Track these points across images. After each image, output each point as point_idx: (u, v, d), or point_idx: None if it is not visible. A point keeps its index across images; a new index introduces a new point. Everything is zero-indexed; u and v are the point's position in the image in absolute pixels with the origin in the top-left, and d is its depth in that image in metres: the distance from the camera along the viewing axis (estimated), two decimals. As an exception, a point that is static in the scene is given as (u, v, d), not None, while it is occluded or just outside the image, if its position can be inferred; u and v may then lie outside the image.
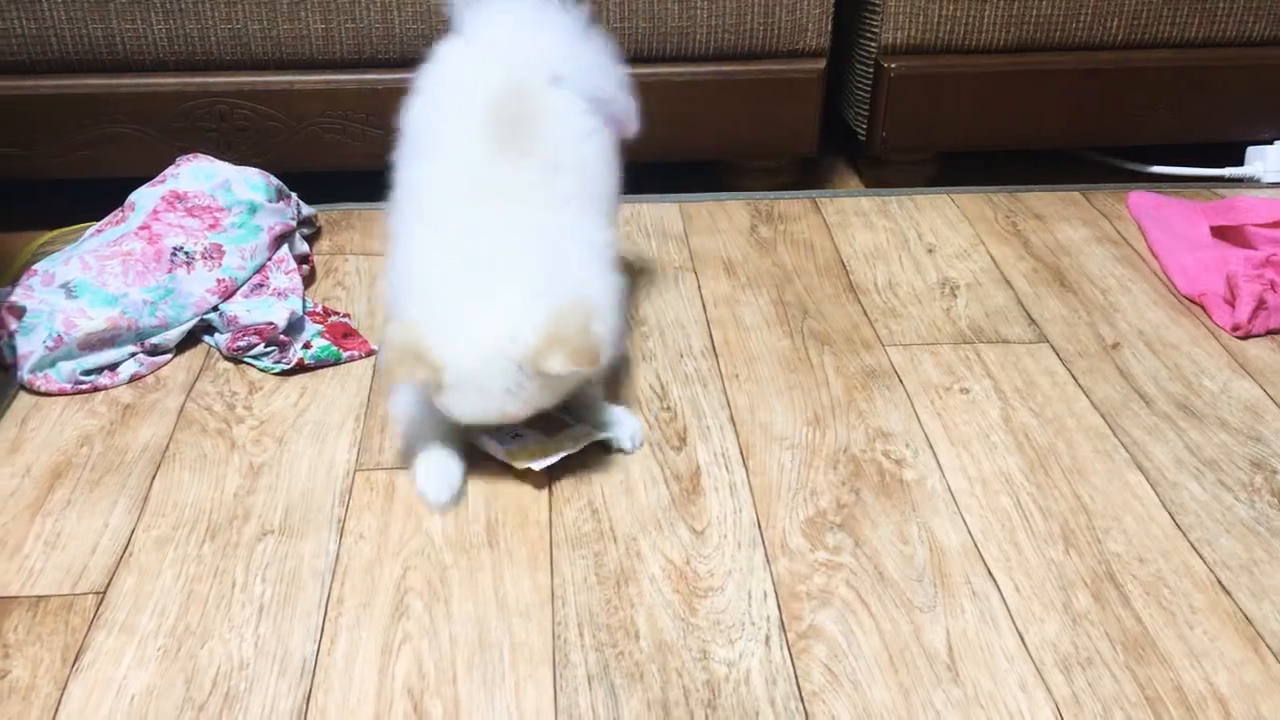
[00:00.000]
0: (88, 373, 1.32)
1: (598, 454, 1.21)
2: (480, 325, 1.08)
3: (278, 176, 1.57)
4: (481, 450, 1.20)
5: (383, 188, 1.76)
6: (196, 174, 1.51)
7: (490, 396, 1.09)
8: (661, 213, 1.73)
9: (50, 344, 1.31)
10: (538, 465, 1.16)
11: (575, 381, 1.14)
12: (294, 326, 1.38)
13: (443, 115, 1.25)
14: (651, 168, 1.79)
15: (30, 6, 1.54)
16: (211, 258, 1.43)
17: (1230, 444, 1.25)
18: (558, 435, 1.20)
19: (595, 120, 1.27)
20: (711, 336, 1.43)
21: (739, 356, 1.39)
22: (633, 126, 1.35)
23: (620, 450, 1.22)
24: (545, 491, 1.17)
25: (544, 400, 1.12)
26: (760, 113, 1.72)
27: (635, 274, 1.55)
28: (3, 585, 1.06)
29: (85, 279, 1.36)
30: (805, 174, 1.86)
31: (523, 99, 1.21)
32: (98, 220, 1.51)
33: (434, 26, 1.61)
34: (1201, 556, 1.10)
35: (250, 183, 1.51)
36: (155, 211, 1.46)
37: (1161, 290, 1.54)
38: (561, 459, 1.17)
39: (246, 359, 1.36)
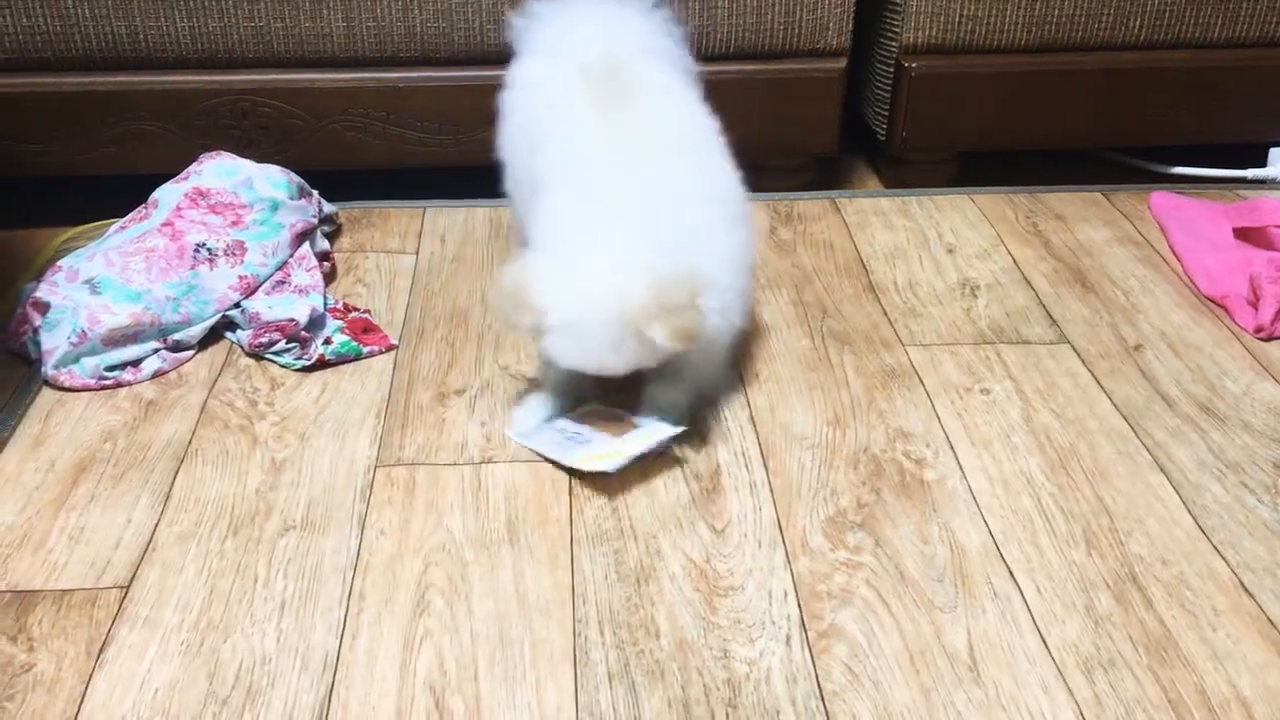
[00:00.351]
0: (111, 368, 1.33)
1: (618, 452, 1.21)
2: (589, 276, 1.09)
3: (299, 174, 1.58)
4: (543, 457, 1.20)
5: (403, 186, 1.77)
6: (219, 171, 1.52)
7: (589, 348, 1.11)
8: (681, 212, 1.73)
9: (74, 340, 1.32)
10: (610, 466, 1.15)
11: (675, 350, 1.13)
12: (315, 323, 1.39)
13: (549, 94, 1.29)
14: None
15: (55, 4, 1.55)
16: (234, 254, 1.44)
17: (1253, 446, 1.24)
18: (625, 436, 1.20)
19: (687, 82, 1.31)
20: (731, 336, 1.43)
21: (759, 356, 1.39)
22: None
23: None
24: (565, 489, 1.17)
25: (645, 359, 1.12)
26: (780, 112, 1.72)
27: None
28: (27, 579, 1.06)
29: (109, 275, 1.37)
30: (824, 174, 1.86)
31: (612, 60, 1.24)
32: (121, 217, 1.51)
33: (455, 25, 1.62)
34: (1224, 559, 1.09)
35: (272, 180, 1.52)
36: (178, 208, 1.47)
37: (1184, 292, 1.53)
38: (633, 460, 1.16)
39: (268, 355, 1.37)
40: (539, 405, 1.25)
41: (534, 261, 1.13)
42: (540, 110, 1.30)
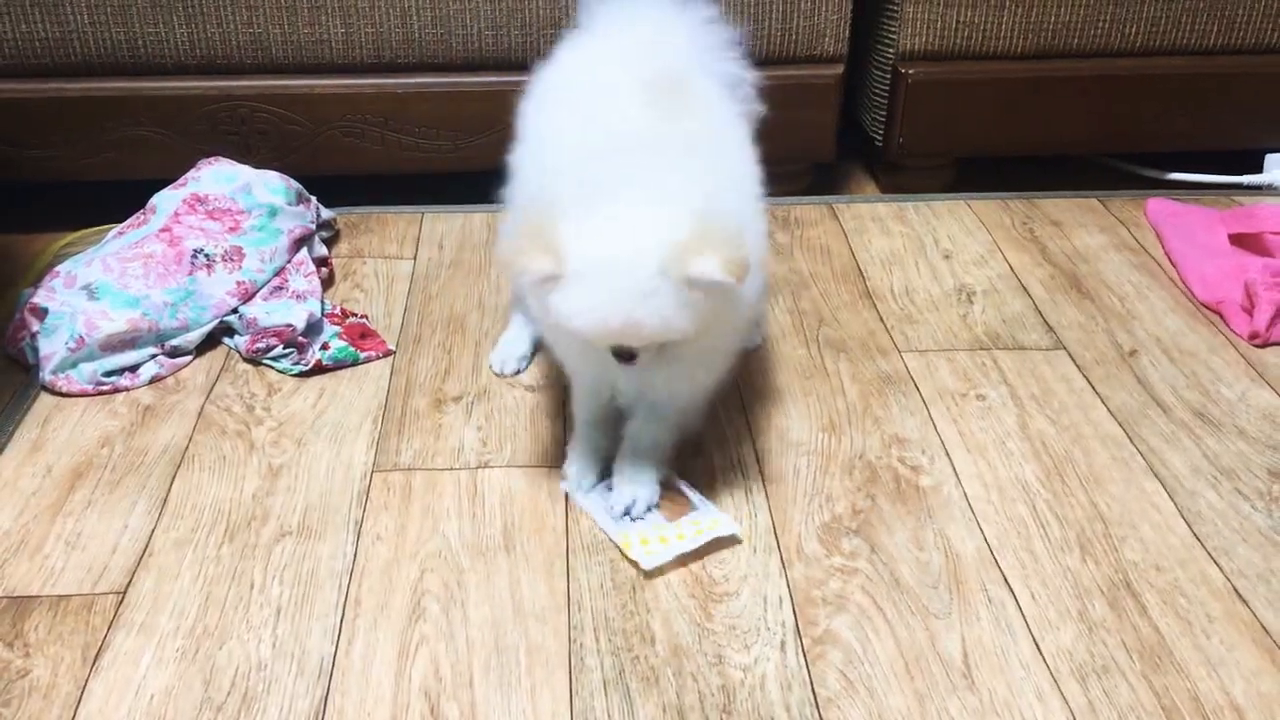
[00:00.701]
0: (109, 374, 1.33)
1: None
2: (620, 215, 0.96)
3: (297, 180, 1.58)
4: (585, 513, 1.14)
5: (401, 191, 1.77)
6: (217, 177, 1.52)
7: (619, 297, 0.94)
8: (678, 217, 1.73)
9: (72, 345, 1.32)
10: (648, 564, 1.07)
11: (711, 310, 0.99)
12: (312, 328, 1.39)
13: (584, 90, 1.17)
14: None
15: (53, 11, 1.55)
16: (231, 260, 1.44)
17: (1248, 452, 1.24)
18: (678, 521, 1.12)
19: (736, 104, 1.22)
20: (728, 341, 1.43)
21: (755, 363, 1.39)
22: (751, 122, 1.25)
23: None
24: (562, 496, 1.17)
25: (676, 322, 0.97)
26: (777, 118, 1.70)
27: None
28: (24, 585, 1.07)
29: (107, 281, 1.37)
30: (822, 179, 1.86)
31: (674, 76, 1.13)
32: (120, 222, 1.52)
33: (453, 32, 1.62)
34: (1219, 565, 1.10)
35: (270, 186, 1.52)
36: (176, 214, 1.47)
37: (1179, 298, 1.53)
38: (675, 558, 1.08)
39: (265, 360, 1.37)
40: (590, 457, 1.17)
41: (559, 201, 0.98)
42: (579, 89, 1.18)
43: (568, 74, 1.22)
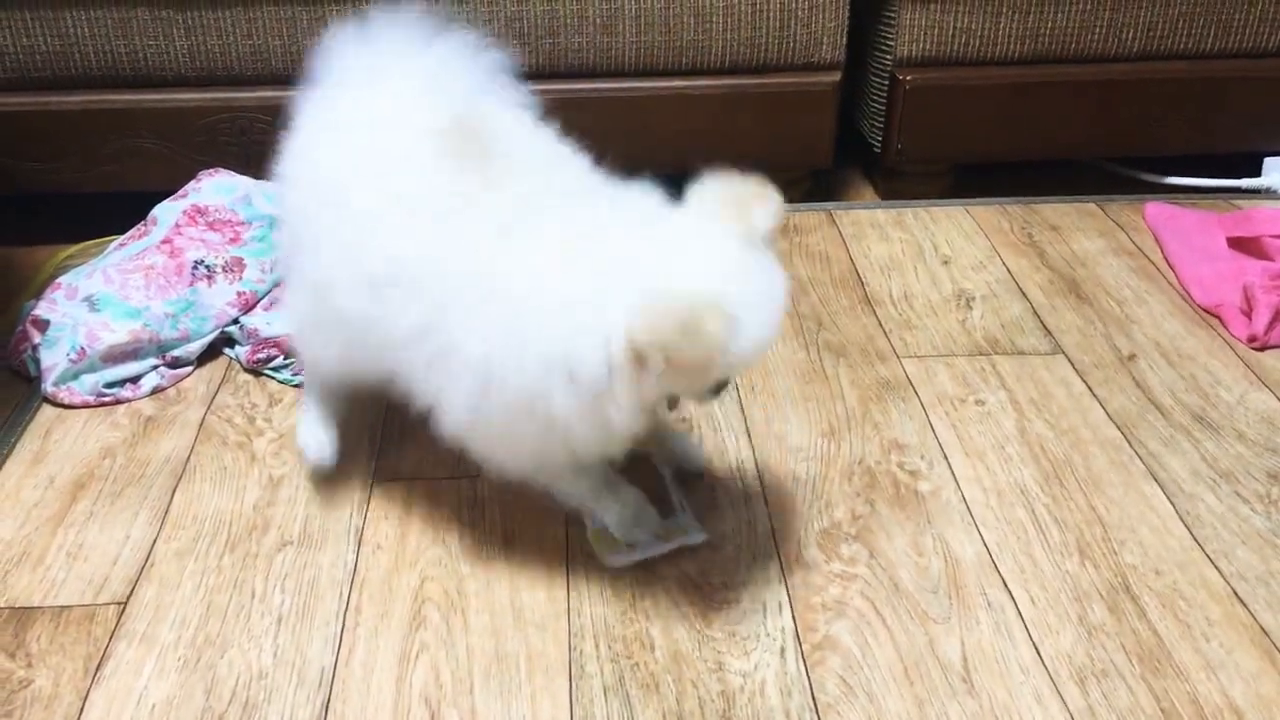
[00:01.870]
0: (110, 385, 1.33)
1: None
2: (720, 247, 0.98)
3: (297, 190, 1.58)
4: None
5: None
6: (218, 188, 1.53)
7: (776, 310, 0.95)
8: (677, 225, 1.73)
9: (73, 357, 1.32)
10: (610, 561, 1.08)
11: None
12: (313, 339, 1.39)
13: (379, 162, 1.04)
14: (666, 181, 1.80)
15: (54, 24, 1.56)
16: (232, 271, 1.45)
17: (1247, 455, 1.24)
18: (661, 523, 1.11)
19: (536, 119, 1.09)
20: (727, 348, 1.43)
21: (755, 370, 1.39)
22: None
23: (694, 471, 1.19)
24: (561, 505, 1.17)
25: None
26: (775, 125, 1.73)
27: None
28: (26, 595, 1.07)
29: (108, 292, 1.38)
30: (820, 186, 1.87)
31: (470, 119, 1.03)
32: (121, 234, 1.52)
33: (451, 41, 1.63)
34: (1218, 568, 1.10)
35: (270, 197, 1.53)
36: (177, 225, 1.48)
37: (1178, 301, 1.53)
38: (641, 559, 1.08)
39: (266, 371, 1.37)
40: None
41: (661, 291, 0.89)
42: (376, 187, 1.02)
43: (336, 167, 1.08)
